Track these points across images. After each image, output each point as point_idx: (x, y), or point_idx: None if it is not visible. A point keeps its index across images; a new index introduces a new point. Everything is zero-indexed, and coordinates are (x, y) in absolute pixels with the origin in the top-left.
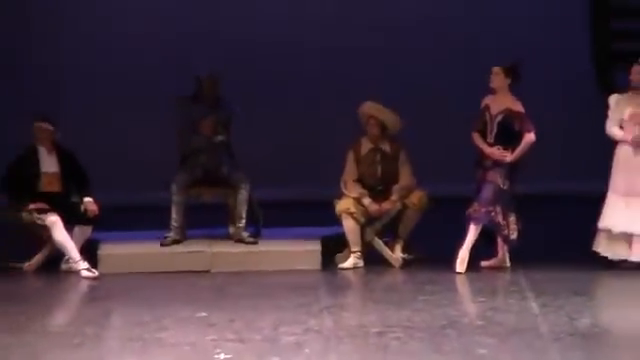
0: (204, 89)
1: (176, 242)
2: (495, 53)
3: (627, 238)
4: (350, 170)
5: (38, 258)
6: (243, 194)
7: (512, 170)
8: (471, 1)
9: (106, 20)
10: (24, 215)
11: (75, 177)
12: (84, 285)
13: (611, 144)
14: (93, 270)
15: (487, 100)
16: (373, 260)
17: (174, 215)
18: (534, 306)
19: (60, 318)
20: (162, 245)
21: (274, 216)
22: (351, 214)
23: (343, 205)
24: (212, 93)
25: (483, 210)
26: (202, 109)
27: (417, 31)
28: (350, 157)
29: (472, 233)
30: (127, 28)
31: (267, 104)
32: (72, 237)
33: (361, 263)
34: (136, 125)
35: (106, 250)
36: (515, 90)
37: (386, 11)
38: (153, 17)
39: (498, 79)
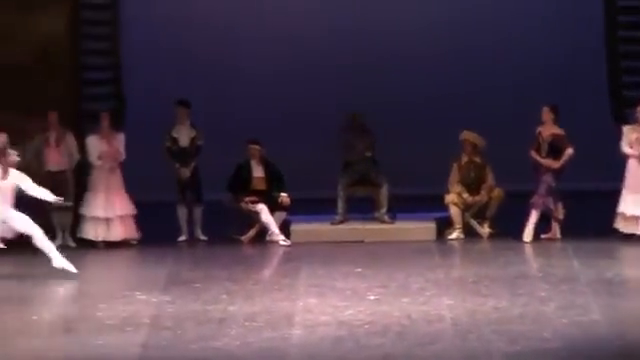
0: (354, 122)
1: (341, 222)
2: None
3: (636, 219)
4: (454, 176)
5: (251, 233)
6: (384, 190)
7: (558, 174)
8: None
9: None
10: (242, 205)
11: (274, 179)
12: (281, 250)
13: (623, 158)
14: (287, 240)
15: (540, 128)
16: (470, 233)
17: (340, 204)
18: (575, 264)
19: (266, 272)
20: (332, 224)
21: (404, 205)
22: (455, 203)
23: (450, 197)
24: (359, 125)
25: (541, 200)
26: (355, 135)
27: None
28: (454, 167)
29: (534, 216)
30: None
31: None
32: (273, 218)
33: (462, 235)
34: (315, 145)
35: (296, 227)
36: (559, 121)
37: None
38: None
39: (546, 114)
